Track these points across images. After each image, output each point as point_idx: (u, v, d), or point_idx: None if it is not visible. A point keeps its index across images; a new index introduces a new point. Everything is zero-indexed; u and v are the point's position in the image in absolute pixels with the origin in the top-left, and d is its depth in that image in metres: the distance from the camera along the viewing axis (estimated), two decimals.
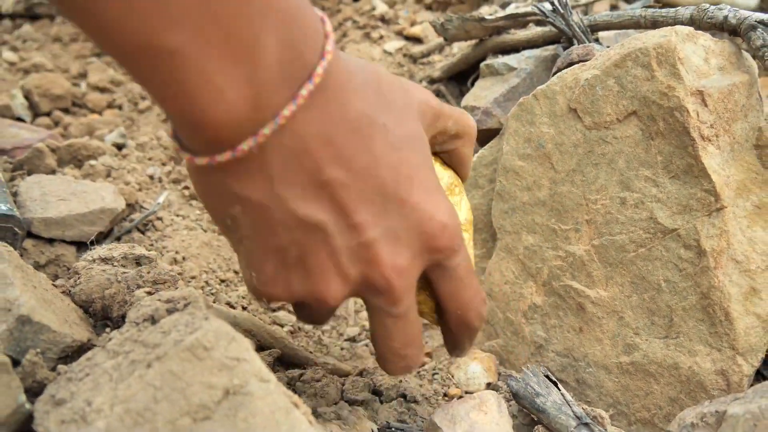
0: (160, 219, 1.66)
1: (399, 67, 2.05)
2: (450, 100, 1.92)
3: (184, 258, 1.57)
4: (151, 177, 1.84)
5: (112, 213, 1.56)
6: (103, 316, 1.15)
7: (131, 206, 1.65)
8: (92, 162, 1.76)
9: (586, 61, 1.34)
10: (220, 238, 1.69)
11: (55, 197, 1.54)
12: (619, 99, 1.24)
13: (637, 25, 1.45)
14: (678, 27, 1.23)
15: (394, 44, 2.11)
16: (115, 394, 0.83)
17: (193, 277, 1.53)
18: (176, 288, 1.20)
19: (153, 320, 0.97)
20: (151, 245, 1.60)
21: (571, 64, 1.37)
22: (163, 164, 1.92)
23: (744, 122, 1.20)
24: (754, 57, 1.25)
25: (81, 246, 1.54)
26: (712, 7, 1.29)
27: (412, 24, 2.19)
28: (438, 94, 1.94)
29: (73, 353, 1.05)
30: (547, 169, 1.35)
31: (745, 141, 1.20)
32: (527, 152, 1.37)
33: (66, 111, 2.23)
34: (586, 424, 1.07)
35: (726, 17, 1.26)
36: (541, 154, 1.35)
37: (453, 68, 1.90)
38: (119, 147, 1.92)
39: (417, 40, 2.15)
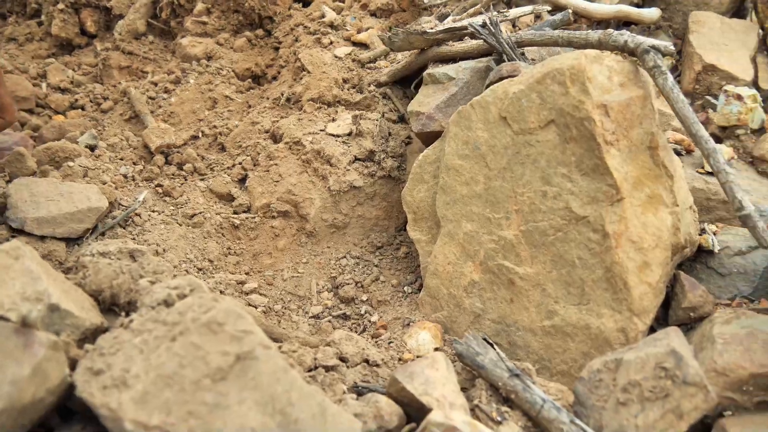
0: (138, 215, 1.84)
1: (349, 71, 2.26)
2: (396, 102, 2.15)
3: (164, 250, 1.76)
4: (125, 176, 2.00)
5: (98, 211, 1.73)
6: (112, 303, 1.34)
7: (111, 204, 1.82)
8: (70, 163, 1.92)
9: (514, 76, 1.59)
10: (194, 230, 1.88)
11: (44, 198, 1.70)
12: (540, 110, 1.49)
13: (555, 43, 1.72)
14: (587, 51, 1.49)
15: (343, 50, 2.32)
16: (148, 363, 1.04)
17: (174, 267, 1.72)
18: (174, 276, 1.39)
19: (167, 303, 1.17)
20: (134, 239, 1.78)
21: (501, 78, 1.63)
22: (134, 164, 2.08)
23: (639, 128, 1.47)
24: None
25: (69, 241, 1.72)
26: (616, 32, 1.56)
27: (359, 31, 2.40)
28: (385, 96, 2.16)
29: (91, 334, 1.24)
30: (482, 167, 1.60)
31: (640, 144, 1.48)
32: (465, 153, 1.62)
33: (30, 111, 2.35)
34: (517, 375, 1.33)
35: (626, 42, 1.53)
36: (477, 155, 1.60)
37: (398, 74, 2.13)
38: (91, 148, 2.07)
39: (364, 45, 2.36)
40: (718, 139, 2.04)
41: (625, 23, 2.32)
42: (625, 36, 1.54)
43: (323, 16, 2.45)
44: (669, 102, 1.46)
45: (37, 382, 0.99)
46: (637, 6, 2.36)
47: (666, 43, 1.49)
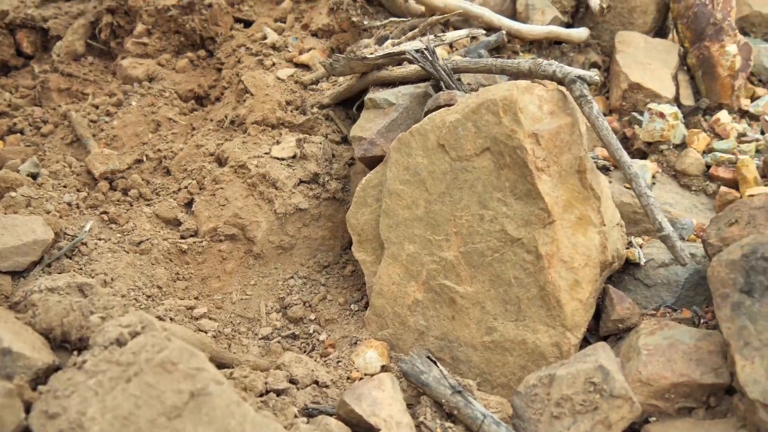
0: (84, 244, 1.85)
1: (292, 93, 2.31)
2: (339, 124, 2.20)
3: (112, 279, 1.78)
4: (69, 204, 2.00)
5: (44, 243, 1.74)
6: (63, 340, 1.36)
7: (57, 234, 1.82)
8: (12, 194, 1.91)
9: (451, 105, 1.67)
10: (141, 257, 1.90)
11: None
12: (476, 138, 1.58)
13: (489, 70, 1.80)
14: (519, 81, 1.58)
15: (285, 71, 2.36)
16: (104, 405, 1.08)
17: (123, 296, 1.74)
18: (126, 312, 1.42)
19: (119, 343, 1.21)
20: (81, 269, 1.79)
21: (438, 107, 1.70)
22: (78, 191, 2.08)
23: (569, 154, 1.57)
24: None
25: (15, 274, 1.72)
26: (545, 62, 1.66)
27: (301, 52, 2.44)
28: (328, 118, 2.22)
29: (43, 374, 1.26)
30: (422, 192, 1.68)
31: (569, 168, 1.57)
32: (406, 178, 1.70)
33: None
34: (459, 392, 1.41)
35: (554, 71, 1.62)
36: (418, 180, 1.68)
37: (339, 96, 2.18)
38: (33, 176, 2.07)
39: (306, 67, 2.40)
40: (644, 154, 2.16)
41: (556, 42, 2.44)
42: (553, 66, 1.63)
43: (265, 37, 2.48)
44: (594, 129, 1.56)
45: None
46: (567, 26, 2.48)
47: (591, 74, 1.60)
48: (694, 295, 1.68)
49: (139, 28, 2.63)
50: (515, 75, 1.73)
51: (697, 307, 1.65)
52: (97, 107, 2.46)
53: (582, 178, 1.58)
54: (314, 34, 2.56)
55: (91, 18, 2.74)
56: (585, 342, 1.67)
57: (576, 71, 1.60)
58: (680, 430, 1.36)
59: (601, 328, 1.67)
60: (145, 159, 2.25)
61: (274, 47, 2.45)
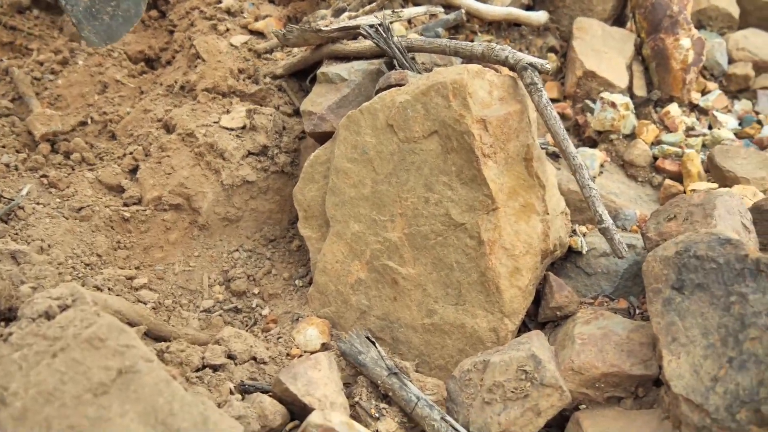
0: (21, 208, 1.79)
1: (245, 61, 2.26)
2: (291, 95, 2.17)
3: (49, 246, 1.73)
4: (7, 165, 1.93)
5: None
6: None
7: None
8: None
9: (402, 85, 1.65)
10: (81, 224, 1.85)
11: None
12: (424, 120, 1.57)
13: (444, 51, 1.79)
14: (470, 66, 1.57)
15: (239, 38, 2.30)
16: (27, 380, 1.05)
17: (60, 263, 1.70)
18: (58, 283, 1.38)
19: (48, 316, 1.18)
20: (16, 234, 1.73)
21: (389, 86, 1.69)
22: (17, 152, 2.01)
23: (516, 141, 1.58)
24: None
25: None
26: (498, 47, 1.65)
27: (257, 19, 2.38)
28: (281, 89, 2.17)
29: None
30: (369, 171, 1.66)
31: (516, 156, 1.58)
32: (354, 156, 1.68)
33: None
34: (395, 374, 1.42)
35: (507, 57, 1.62)
36: (365, 159, 1.66)
37: (293, 67, 2.14)
38: None
39: (261, 34, 2.35)
40: (594, 143, 2.18)
41: (515, 24, 2.43)
42: (506, 51, 1.63)
43: (220, 1, 2.42)
44: (542, 118, 1.57)
45: None
46: (527, 8, 2.47)
47: (542, 61, 1.59)
48: (632, 286, 1.72)
49: None
50: (468, 58, 1.72)
51: (634, 298, 1.69)
52: (41, 64, 2.37)
53: (528, 166, 1.59)
54: (271, 1, 2.50)
55: None
56: (524, 327, 1.70)
57: (528, 58, 1.59)
58: (608, 418, 1.40)
59: (540, 315, 1.69)
60: (89, 121, 2.18)
61: (229, 12, 2.39)
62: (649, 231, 1.56)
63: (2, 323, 1.27)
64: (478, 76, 1.56)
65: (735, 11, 2.72)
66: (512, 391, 1.32)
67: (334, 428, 1.22)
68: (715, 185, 1.90)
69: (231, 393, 1.42)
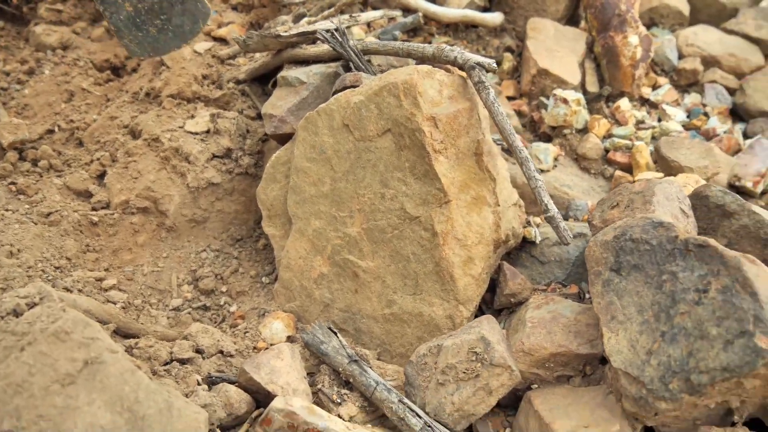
0: None
1: (208, 67, 2.31)
2: (254, 99, 2.23)
3: (19, 250, 1.77)
4: None
5: None
6: None
7: None
8: None
9: (356, 86, 1.72)
10: (50, 229, 1.89)
11: None
12: (378, 119, 1.64)
13: (397, 53, 1.86)
14: (420, 66, 1.64)
15: (203, 45, 2.36)
16: None
17: (30, 267, 1.74)
18: (26, 284, 1.43)
19: (16, 313, 1.23)
20: None
21: (345, 87, 1.75)
22: None
23: (466, 137, 1.65)
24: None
25: None
26: (447, 48, 1.72)
27: (220, 25, 2.44)
28: (244, 93, 2.24)
29: None
30: (328, 170, 1.73)
31: (467, 151, 1.66)
32: (313, 156, 1.75)
33: None
34: (356, 361, 1.49)
35: (455, 57, 1.69)
36: (324, 158, 1.73)
37: (255, 72, 2.20)
38: None
39: (224, 41, 2.41)
40: (549, 138, 2.27)
41: (472, 25, 2.51)
42: (455, 52, 1.70)
43: None
44: (490, 114, 1.64)
45: None
46: (484, 9, 2.55)
47: (489, 61, 1.67)
48: (583, 272, 1.80)
49: None
50: (420, 59, 1.80)
51: (585, 283, 1.77)
52: (8, 74, 2.41)
53: (479, 160, 1.66)
54: (234, 8, 2.56)
55: None
56: (481, 313, 1.77)
57: (476, 58, 1.67)
58: (558, 395, 1.47)
59: (496, 302, 1.77)
60: (57, 129, 2.22)
61: None
62: (594, 219, 1.64)
63: None
64: (428, 76, 1.63)
65: (685, 8, 2.82)
66: (464, 372, 1.39)
67: (296, 412, 1.28)
68: (662, 175, 1.99)
69: (198, 384, 1.47)
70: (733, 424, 1.29)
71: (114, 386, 1.15)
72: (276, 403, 1.30)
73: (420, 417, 1.36)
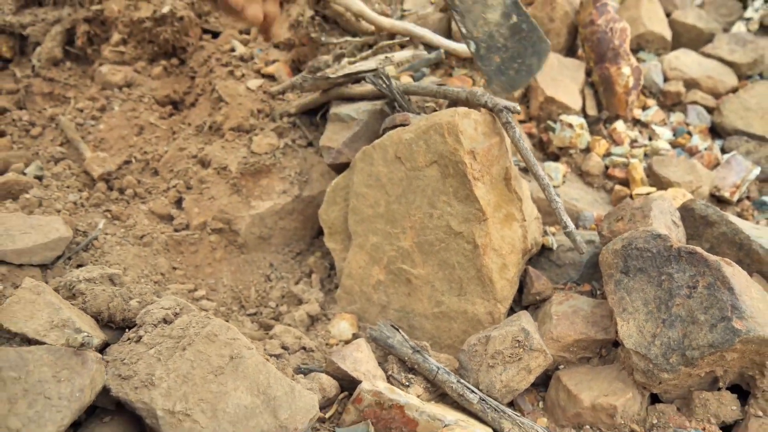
0: (96, 239, 2.18)
1: (262, 102, 2.66)
2: (304, 130, 2.58)
3: (125, 269, 2.12)
4: (75, 203, 2.31)
5: (67, 240, 2.06)
6: (109, 321, 1.72)
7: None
8: (26, 195, 2.21)
9: (405, 125, 2.09)
10: (145, 249, 2.24)
11: (18, 231, 2.01)
12: (426, 153, 2.00)
13: (435, 95, 2.22)
14: (459, 108, 2.01)
15: (254, 82, 2.70)
16: (167, 367, 1.46)
17: (136, 282, 2.09)
18: (154, 297, 1.78)
19: (166, 321, 1.58)
20: (96, 261, 2.12)
21: (395, 126, 2.12)
22: (80, 191, 2.39)
23: (498, 166, 2.02)
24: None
25: (43, 267, 2.04)
26: (479, 92, 2.08)
27: (267, 63, 2.79)
28: (294, 125, 2.59)
29: (100, 349, 1.61)
30: (383, 194, 2.09)
31: (499, 177, 2.02)
32: (370, 183, 2.11)
33: None
34: (418, 351, 1.85)
35: (486, 102, 2.05)
36: (379, 185, 2.09)
37: (305, 107, 2.55)
38: (39, 178, 2.36)
39: (272, 77, 2.75)
40: (557, 156, 2.64)
41: None
42: (485, 97, 2.06)
43: (233, 49, 2.82)
44: (516, 149, 2.01)
45: (92, 388, 1.39)
46: None
47: (514, 104, 2.04)
48: (593, 273, 2.17)
49: (116, 37, 2.90)
50: (455, 101, 2.16)
51: (596, 282, 2.14)
52: (81, 111, 2.74)
53: (508, 184, 2.03)
54: (276, 46, 2.91)
55: (67, 25, 2.99)
56: (512, 310, 2.14)
57: (503, 102, 2.03)
58: (581, 373, 1.85)
59: (524, 300, 2.14)
60: (133, 161, 2.56)
61: (242, 59, 2.79)
62: (603, 230, 2.02)
63: (126, 330, 1.66)
64: (466, 116, 2.00)
65: (668, 35, 3.21)
66: (509, 357, 1.76)
67: (381, 391, 1.65)
68: (654, 189, 2.37)
69: (294, 374, 1.83)
70: (719, 389, 1.68)
71: (252, 375, 1.51)
72: (365, 386, 1.66)
73: (475, 393, 1.73)
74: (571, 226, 1.92)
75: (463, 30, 1.83)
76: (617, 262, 1.79)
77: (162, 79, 2.88)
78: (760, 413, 1.61)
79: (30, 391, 1.29)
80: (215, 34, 2.99)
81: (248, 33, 2.96)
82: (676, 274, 1.65)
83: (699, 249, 1.65)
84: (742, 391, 1.70)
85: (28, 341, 1.49)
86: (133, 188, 2.44)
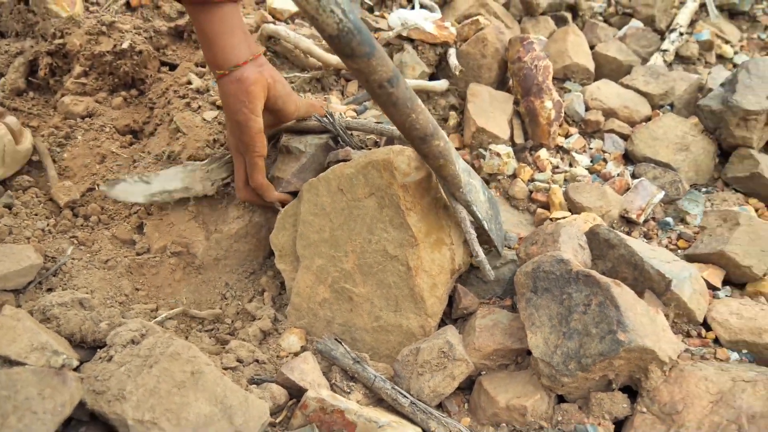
0: (64, 264, 2.37)
1: (218, 133, 2.87)
2: None
3: (91, 291, 2.32)
4: (42, 230, 2.50)
5: (38, 267, 2.26)
6: (81, 342, 1.93)
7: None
8: None
9: (347, 160, 2.34)
10: (109, 272, 2.45)
11: None
12: (365, 186, 2.26)
13: (373, 131, 2.48)
14: (395, 147, 2.27)
15: (210, 114, 2.92)
16: (136, 383, 1.68)
17: (100, 303, 2.29)
18: (125, 319, 2.00)
19: (133, 342, 1.81)
20: (65, 284, 2.32)
21: (338, 161, 2.37)
22: (47, 218, 2.58)
23: (428, 197, 2.29)
24: None
25: (16, 292, 2.23)
26: None
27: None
28: None
29: (75, 368, 1.83)
30: (327, 222, 2.34)
31: (429, 207, 2.29)
32: (316, 212, 2.35)
33: None
34: (358, 361, 2.11)
35: None
36: (324, 213, 2.34)
37: None
38: (9, 207, 2.54)
39: None
40: (487, 181, 2.93)
41: (425, 91, 3.15)
42: None
43: (190, 82, 3.03)
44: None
45: (71, 403, 1.60)
46: (432, 76, 3.20)
47: None
48: (515, 289, 2.45)
49: (78, 69, 3.09)
50: (390, 138, 2.42)
51: (516, 297, 2.43)
52: (45, 139, 2.92)
53: (437, 213, 2.30)
54: None
55: (29, 57, 3.16)
56: (443, 322, 2.40)
57: None
58: (499, 378, 2.12)
59: (453, 314, 2.41)
60: (96, 188, 2.76)
61: (198, 91, 3.01)
62: (520, 252, 2.30)
63: (97, 350, 1.87)
64: (400, 153, 2.26)
65: (591, 66, 3.54)
66: (436, 365, 2.03)
67: (324, 398, 1.90)
68: (569, 213, 2.67)
69: (248, 384, 2.07)
70: (612, 390, 1.97)
71: (210, 387, 1.74)
72: (310, 393, 1.91)
73: (407, 397, 1.99)
74: (481, 255, 2.20)
75: (479, 216, 2.29)
76: (528, 282, 2.07)
77: (122, 109, 3.08)
78: (644, 409, 1.91)
79: (19, 407, 1.50)
80: (173, 67, 3.20)
81: (204, 66, 3.17)
82: (574, 293, 1.95)
83: (594, 272, 1.94)
84: (632, 391, 2.00)
85: (11, 363, 1.70)
86: (97, 215, 2.64)
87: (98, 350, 1.87)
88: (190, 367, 1.74)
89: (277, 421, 1.98)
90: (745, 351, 2.15)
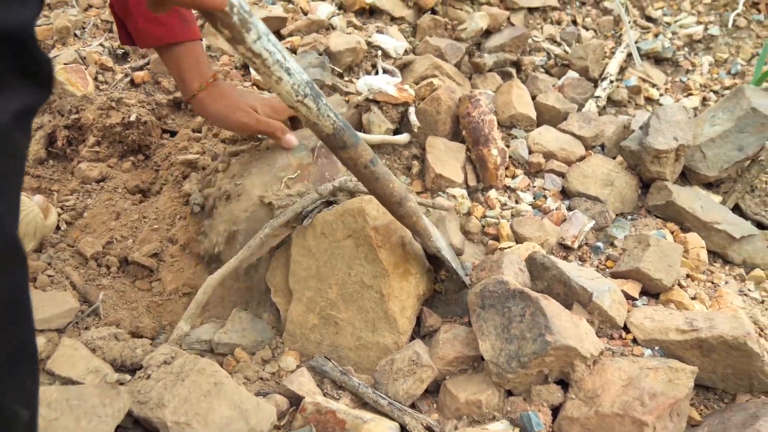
0: (98, 307, 2.84)
1: None
2: None
3: (119, 325, 2.78)
4: (72, 283, 2.96)
5: (76, 309, 2.72)
6: (121, 366, 2.39)
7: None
8: (40, 276, 2.86)
9: (329, 209, 2.85)
10: (133, 312, 2.91)
11: (38, 305, 2.66)
12: (343, 230, 2.77)
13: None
14: (365, 196, 2.79)
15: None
16: (172, 393, 2.16)
17: (129, 334, 2.75)
18: (153, 346, 2.47)
19: (166, 363, 2.28)
20: (98, 323, 2.78)
21: (320, 210, 2.88)
22: (76, 268, 3.05)
23: (395, 235, 2.80)
24: None
25: (59, 331, 2.69)
26: None
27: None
28: None
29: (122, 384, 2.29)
30: (314, 261, 2.84)
31: (397, 243, 2.80)
32: (303, 253, 2.85)
33: None
34: (345, 373, 2.59)
35: None
36: (310, 254, 2.84)
37: None
38: (48, 263, 3.00)
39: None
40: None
41: (390, 144, 3.68)
42: None
43: (186, 148, 3.54)
44: None
45: (124, 409, 2.07)
46: (395, 133, 3.74)
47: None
48: None
49: (91, 139, 3.58)
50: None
51: None
52: (67, 202, 3.40)
53: (404, 249, 2.81)
54: (223, 141, 3.65)
55: (48, 130, 3.65)
56: (412, 338, 2.90)
57: None
58: (460, 380, 2.61)
59: (421, 331, 2.90)
60: (114, 241, 3.23)
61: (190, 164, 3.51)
62: (473, 277, 2.82)
63: (135, 372, 2.33)
64: (370, 202, 2.77)
65: (533, 115, 4.09)
66: (407, 371, 2.52)
67: (319, 402, 2.38)
68: (515, 243, 3.20)
69: (256, 395, 2.53)
70: (548, 383, 2.48)
71: (230, 395, 2.22)
72: (307, 399, 2.39)
73: (385, 399, 2.48)
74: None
75: (447, 258, 2.78)
76: (477, 300, 2.59)
77: (131, 172, 3.57)
78: (573, 396, 2.41)
79: (88, 413, 1.97)
80: (173, 133, 3.71)
81: (199, 131, 3.68)
82: (513, 307, 2.46)
83: (527, 289, 2.46)
84: (565, 383, 2.51)
85: (72, 383, 2.16)
86: (116, 265, 3.11)
87: (136, 371, 2.34)
88: (213, 380, 2.22)
89: (281, 424, 2.45)
90: (657, 347, 2.68)
